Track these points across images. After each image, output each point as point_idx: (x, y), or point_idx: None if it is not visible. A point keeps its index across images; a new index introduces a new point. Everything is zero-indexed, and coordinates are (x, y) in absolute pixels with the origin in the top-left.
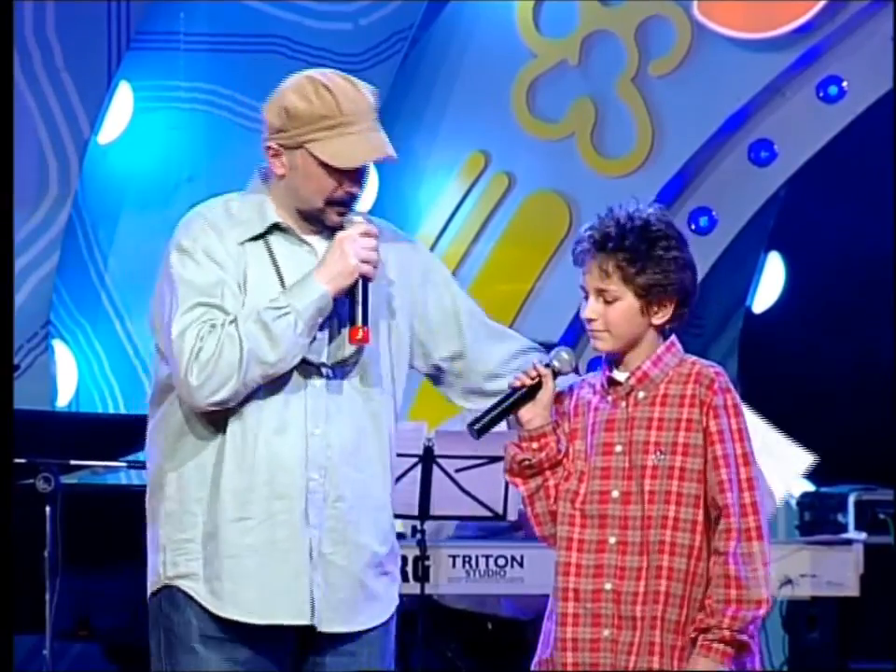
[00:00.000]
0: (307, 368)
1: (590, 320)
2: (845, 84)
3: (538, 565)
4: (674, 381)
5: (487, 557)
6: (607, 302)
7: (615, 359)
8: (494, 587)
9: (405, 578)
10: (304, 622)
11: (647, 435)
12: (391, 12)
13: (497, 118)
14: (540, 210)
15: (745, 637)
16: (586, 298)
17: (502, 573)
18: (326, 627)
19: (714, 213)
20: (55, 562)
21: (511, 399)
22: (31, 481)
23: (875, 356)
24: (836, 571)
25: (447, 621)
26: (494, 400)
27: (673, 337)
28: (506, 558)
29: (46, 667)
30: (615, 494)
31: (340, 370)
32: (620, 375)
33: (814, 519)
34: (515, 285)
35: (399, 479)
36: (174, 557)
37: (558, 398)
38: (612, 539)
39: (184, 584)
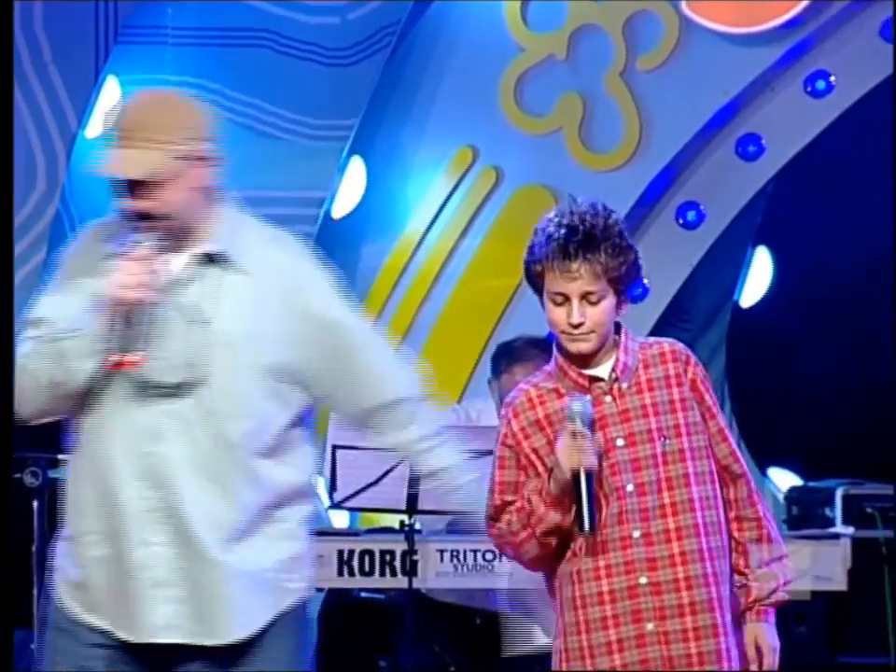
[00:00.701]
0: (144, 387)
1: (577, 325)
2: (832, 79)
3: None
4: (649, 364)
5: (475, 552)
6: (591, 304)
7: (580, 359)
8: (482, 581)
9: (393, 572)
10: (147, 639)
11: (647, 423)
12: (379, 7)
13: (484, 112)
14: (528, 204)
15: (788, 595)
16: (560, 304)
17: (490, 567)
18: (191, 640)
19: (702, 207)
20: (42, 557)
21: (585, 484)
22: (18, 475)
23: (864, 351)
24: (824, 566)
25: (435, 615)
26: (578, 496)
27: (624, 325)
28: (494, 552)
29: (34, 663)
30: (629, 488)
31: (178, 390)
32: (600, 372)
33: (802, 513)
34: (503, 280)
35: (387, 473)
36: (53, 548)
37: (519, 409)
38: (636, 533)
39: (54, 573)
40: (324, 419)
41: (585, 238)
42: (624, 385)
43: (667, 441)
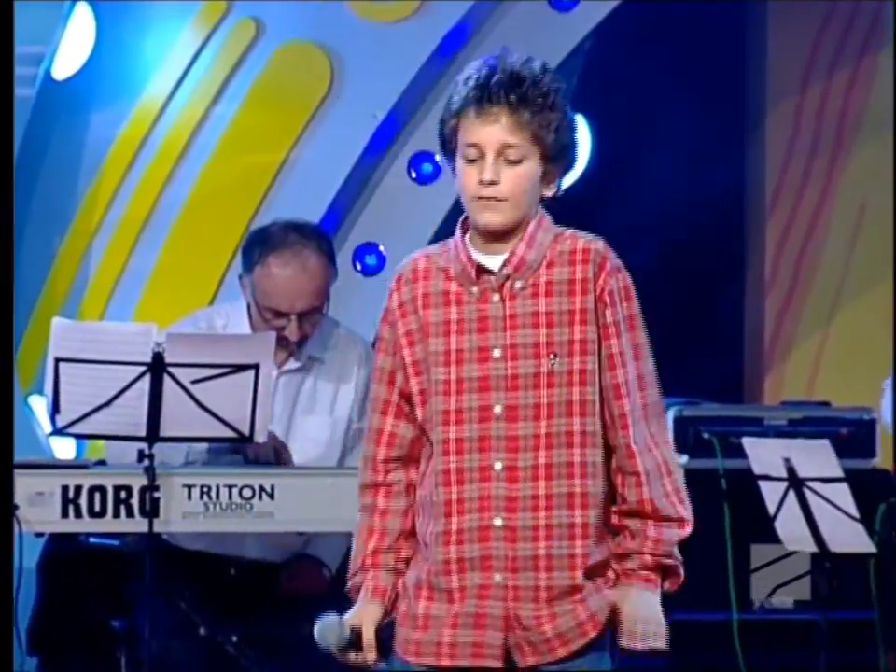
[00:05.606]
0: None
1: (490, 183)
2: None
3: (291, 497)
4: (556, 264)
5: (230, 487)
6: (509, 163)
7: (484, 240)
8: (238, 524)
9: (129, 513)
10: None
11: (535, 335)
12: None
13: None
14: (295, 64)
15: (671, 561)
16: (473, 161)
17: (248, 507)
18: None
19: None
20: None
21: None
22: None
23: (698, 243)
24: None
25: (181, 565)
26: None
27: (541, 209)
28: (253, 489)
29: None
30: (497, 410)
31: None
32: (491, 262)
33: None
34: (265, 155)
35: (122, 392)
36: None
37: (403, 281)
38: (498, 465)
39: None
40: (46, 327)
41: (510, 78)
42: (518, 285)
43: (556, 360)
